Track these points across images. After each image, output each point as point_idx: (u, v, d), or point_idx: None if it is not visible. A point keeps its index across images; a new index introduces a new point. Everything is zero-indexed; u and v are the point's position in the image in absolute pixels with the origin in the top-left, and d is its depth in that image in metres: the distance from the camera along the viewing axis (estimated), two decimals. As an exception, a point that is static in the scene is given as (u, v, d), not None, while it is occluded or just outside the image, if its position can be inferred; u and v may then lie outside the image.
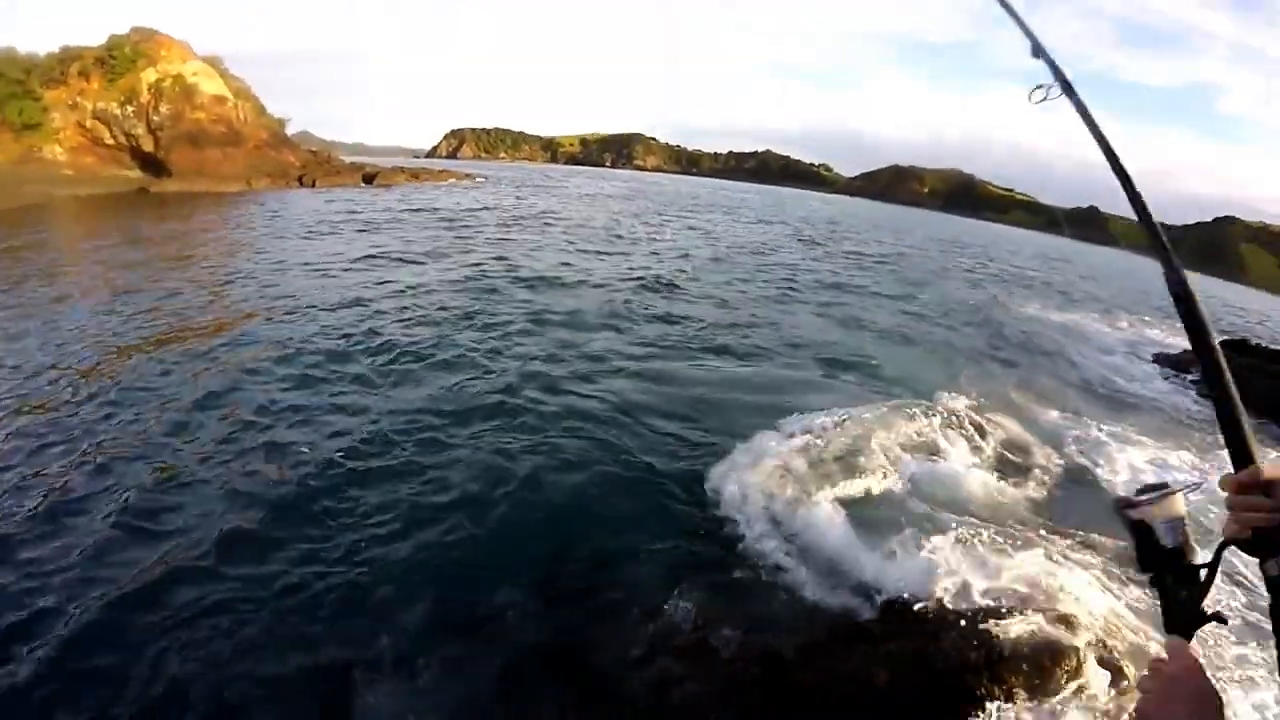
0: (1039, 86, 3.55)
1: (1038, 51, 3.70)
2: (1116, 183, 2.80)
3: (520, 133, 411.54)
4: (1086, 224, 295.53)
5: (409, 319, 14.94)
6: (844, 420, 9.84)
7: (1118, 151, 3.03)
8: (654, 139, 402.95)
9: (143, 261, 22.99)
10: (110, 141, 63.18)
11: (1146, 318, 30.56)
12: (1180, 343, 22.11)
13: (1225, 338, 21.75)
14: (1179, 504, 2.01)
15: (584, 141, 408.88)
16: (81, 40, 66.99)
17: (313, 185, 54.68)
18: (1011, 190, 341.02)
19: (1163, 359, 21.44)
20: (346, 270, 19.42)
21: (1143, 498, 2.01)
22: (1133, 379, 18.57)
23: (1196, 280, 2.12)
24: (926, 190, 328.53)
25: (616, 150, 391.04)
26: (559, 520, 7.85)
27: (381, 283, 18.48)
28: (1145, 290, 43.62)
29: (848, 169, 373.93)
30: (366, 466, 8.62)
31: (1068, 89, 3.35)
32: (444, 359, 12.58)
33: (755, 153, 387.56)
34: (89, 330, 14.38)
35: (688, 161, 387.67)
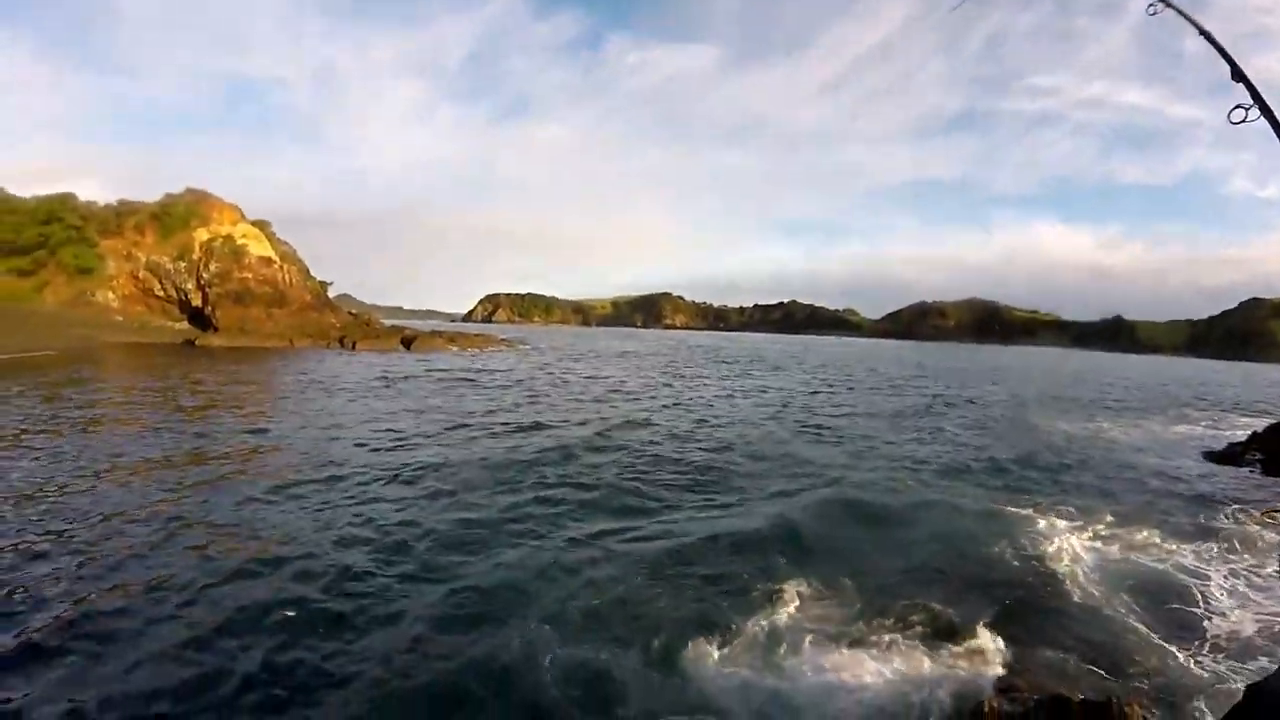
0: (1238, 107, 4.02)
1: (1237, 76, 4.16)
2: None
3: (552, 298, 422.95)
4: (1115, 335, 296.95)
5: (434, 490, 14.27)
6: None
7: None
8: (681, 298, 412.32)
9: (181, 406, 24.01)
10: (160, 293, 65.40)
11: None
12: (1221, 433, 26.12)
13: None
14: None
15: (614, 304, 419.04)
16: (137, 195, 70.36)
17: (353, 348, 55.68)
18: (1036, 311, 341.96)
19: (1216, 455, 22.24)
20: (374, 434, 19.09)
21: None
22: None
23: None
24: (952, 323, 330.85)
25: (646, 310, 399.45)
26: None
27: (391, 451, 17.75)
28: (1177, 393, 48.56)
29: (873, 310, 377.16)
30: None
31: (1266, 111, 3.75)
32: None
33: (781, 304, 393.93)
34: (110, 458, 15.44)
35: (715, 317, 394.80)
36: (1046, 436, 25.34)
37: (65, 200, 66.82)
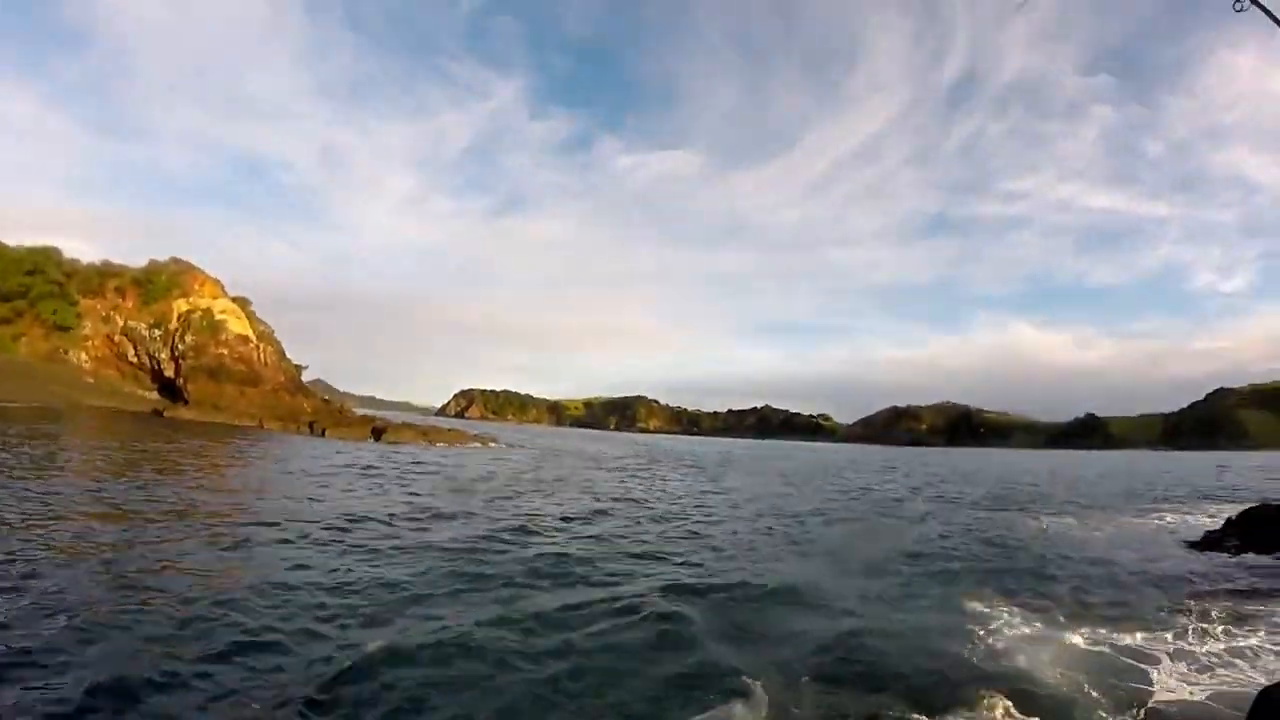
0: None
1: None
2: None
3: (527, 395, 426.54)
4: (1088, 433, 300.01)
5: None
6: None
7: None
8: (655, 401, 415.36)
9: (140, 477, 23.76)
10: (134, 359, 65.17)
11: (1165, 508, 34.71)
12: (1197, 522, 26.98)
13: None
14: None
15: (588, 405, 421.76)
16: (125, 258, 70.82)
17: (322, 434, 55.16)
18: (1007, 414, 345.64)
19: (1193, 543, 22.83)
20: (329, 522, 18.48)
21: None
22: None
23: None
24: (925, 427, 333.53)
25: (620, 413, 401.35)
26: None
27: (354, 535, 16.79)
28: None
29: (848, 414, 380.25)
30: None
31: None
32: None
33: (755, 409, 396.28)
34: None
35: (689, 421, 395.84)
36: (1021, 534, 25.20)
37: (49, 253, 67.01)
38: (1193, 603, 14.41)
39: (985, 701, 8.99)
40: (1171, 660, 10.91)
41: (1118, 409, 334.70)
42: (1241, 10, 5.38)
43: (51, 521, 15.22)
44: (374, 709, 8.01)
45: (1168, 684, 10.00)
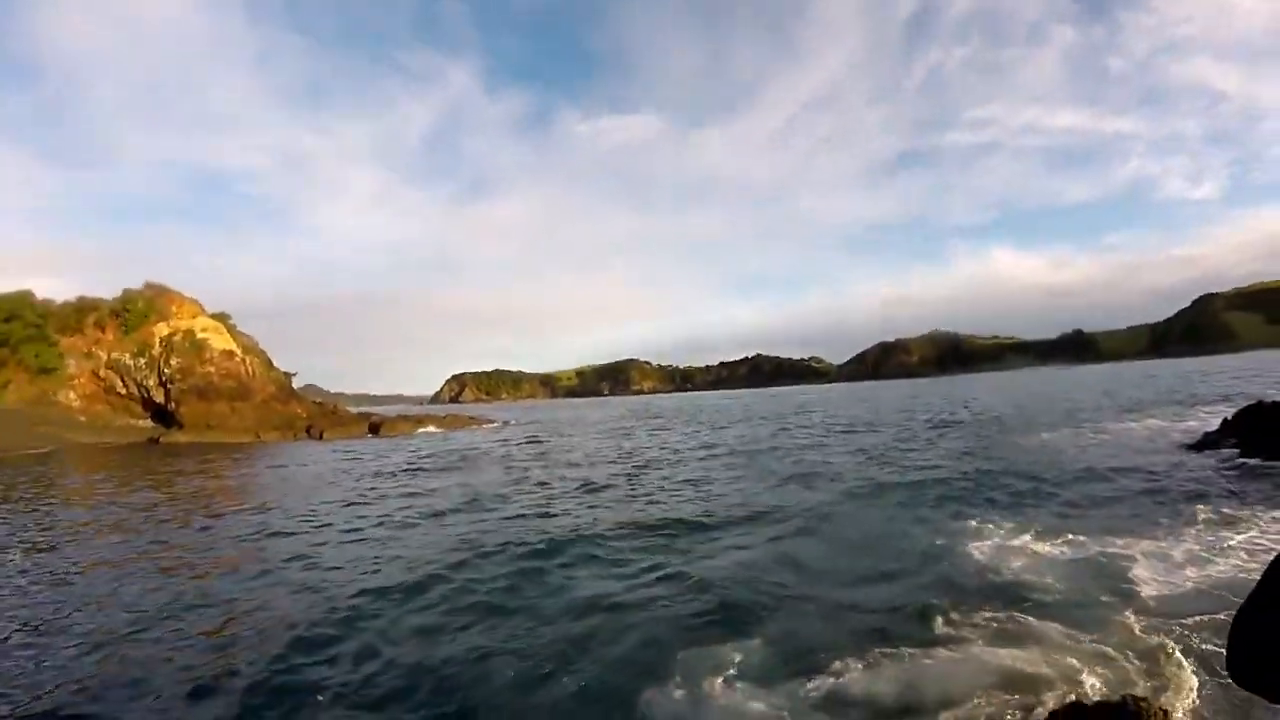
0: None
1: None
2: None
3: (519, 372, 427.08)
4: (1077, 349, 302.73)
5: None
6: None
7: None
8: (648, 363, 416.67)
9: (141, 504, 23.75)
10: (122, 391, 65.05)
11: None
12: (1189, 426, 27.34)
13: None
14: None
15: (580, 374, 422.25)
16: (101, 289, 70.46)
17: (320, 437, 55.43)
18: (997, 336, 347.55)
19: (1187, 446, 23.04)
20: (346, 520, 18.54)
21: None
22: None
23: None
24: (916, 359, 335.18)
25: (613, 378, 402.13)
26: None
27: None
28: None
29: (839, 355, 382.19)
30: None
31: None
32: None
33: (746, 358, 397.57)
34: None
35: (681, 379, 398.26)
36: (1020, 450, 25.75)
37: (24, 297, 66.62)
38: (1192, 504, 14.65)
39: (985, 610, 9.32)
40: (1167, 562, 11.06)
41: (1104, 323, 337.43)
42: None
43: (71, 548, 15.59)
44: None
45: (1164, 581, 10.21)
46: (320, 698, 7.97)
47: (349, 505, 21.33)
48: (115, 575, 13.58)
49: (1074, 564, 11.33)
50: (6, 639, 10.17)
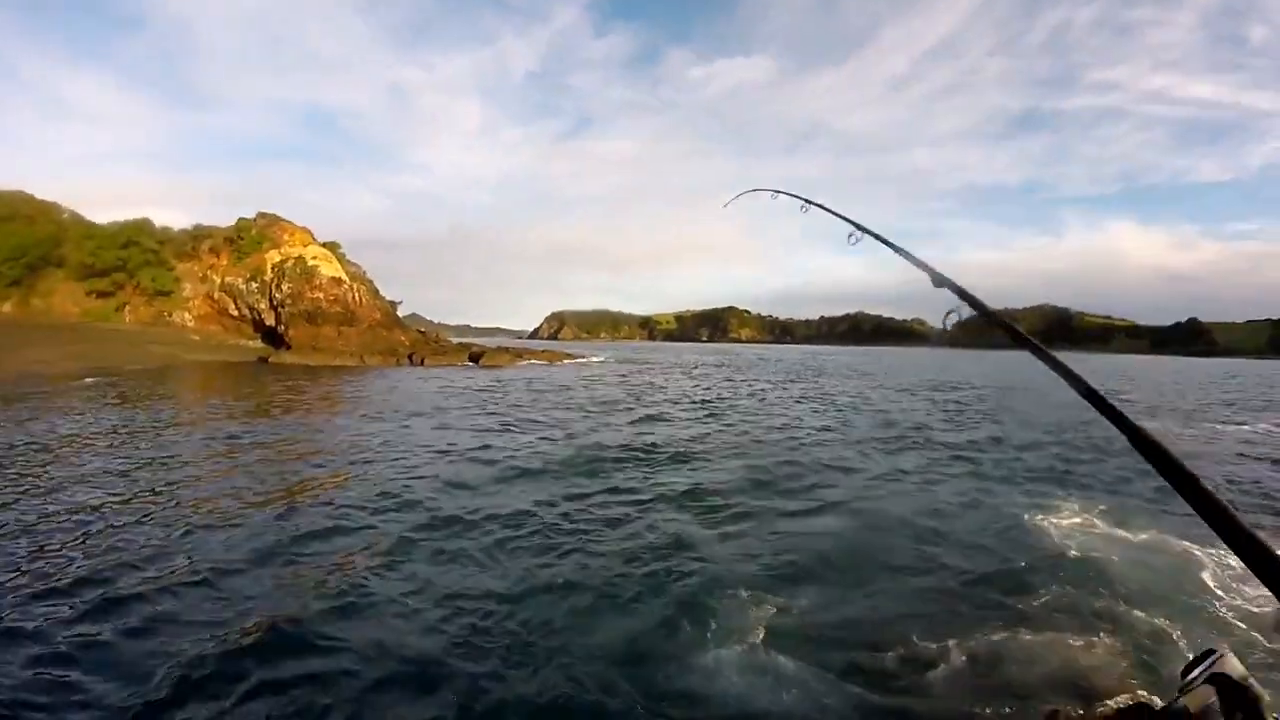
0: (950, 312, 3.68)
1: (940, 282, 3.73)
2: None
3: (618, 313, 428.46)
4: (1190, 339, 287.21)
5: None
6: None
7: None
8: (747, 311, 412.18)
9: (260, 413, 24.48)
10: (235, 313, 67.19)
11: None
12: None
13: None
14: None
15: (680, 318, 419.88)
16: (212, 220, 72.70)
17: (421, 363, 56.02)
18: (1109, 317, 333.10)
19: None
20: (450, 443, 17.81)
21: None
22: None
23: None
24: (1023, 330, 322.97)
25: (711, 324, 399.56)
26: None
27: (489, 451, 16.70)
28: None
29: (942, 318, 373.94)
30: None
31: (974, 304, 3.49)
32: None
33: (847, 315, 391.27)
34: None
35: (781, 331, 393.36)
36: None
37: (142, 225, 69.28)
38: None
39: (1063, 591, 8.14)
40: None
41: (1221, 315, 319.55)
42: None
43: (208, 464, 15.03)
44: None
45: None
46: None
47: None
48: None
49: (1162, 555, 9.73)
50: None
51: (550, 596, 7.76)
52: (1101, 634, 6.95)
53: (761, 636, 6.81)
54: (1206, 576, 8.59)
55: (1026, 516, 11.35)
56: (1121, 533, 10.61)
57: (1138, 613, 7.44)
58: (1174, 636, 6.88)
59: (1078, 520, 11.30)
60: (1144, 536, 10.35)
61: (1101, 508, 11.82)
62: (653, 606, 7.57)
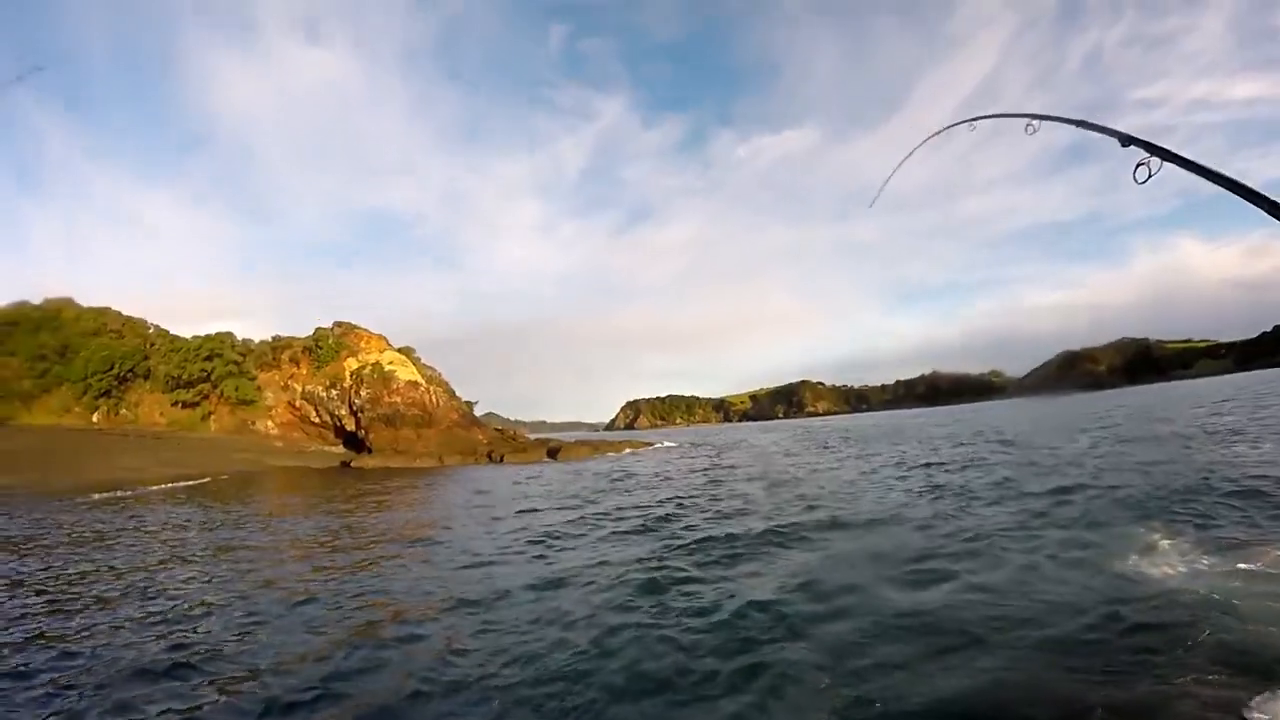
0: (1139, 165, 3.96)
1: (1127, 140, 4.19)
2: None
3: (692, 397, 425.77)
4: (1276, 350, 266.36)
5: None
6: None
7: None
8: (820, 383, 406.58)
9: (345, 511, 25.08)
10: (316, 419, 68.79)
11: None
12: None
13: None
14: None
15: (754, 398, 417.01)
16: (283, 329, 75.36)
17: (500, 460, 56.29)
18: (1189, 340, 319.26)
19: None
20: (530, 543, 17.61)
21: None
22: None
23: None
24: (1103, 367, 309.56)
25: (786, 400, 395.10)
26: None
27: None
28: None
29: (1019, 367, 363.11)
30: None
31: (1166, 155, 3.74)
32: None
33: (922, 376, 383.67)
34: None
35: (856, 399, 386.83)
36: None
37: (225, 338, 71.89)
38: None
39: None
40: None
41: None
42: None
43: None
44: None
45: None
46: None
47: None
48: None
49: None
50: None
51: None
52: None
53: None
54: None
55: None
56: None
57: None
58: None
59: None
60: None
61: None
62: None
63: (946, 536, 14.36)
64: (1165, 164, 4.08)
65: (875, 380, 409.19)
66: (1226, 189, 3.58)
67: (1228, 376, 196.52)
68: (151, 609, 11.73)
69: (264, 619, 11.01)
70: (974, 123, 8.06)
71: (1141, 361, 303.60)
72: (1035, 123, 6.36)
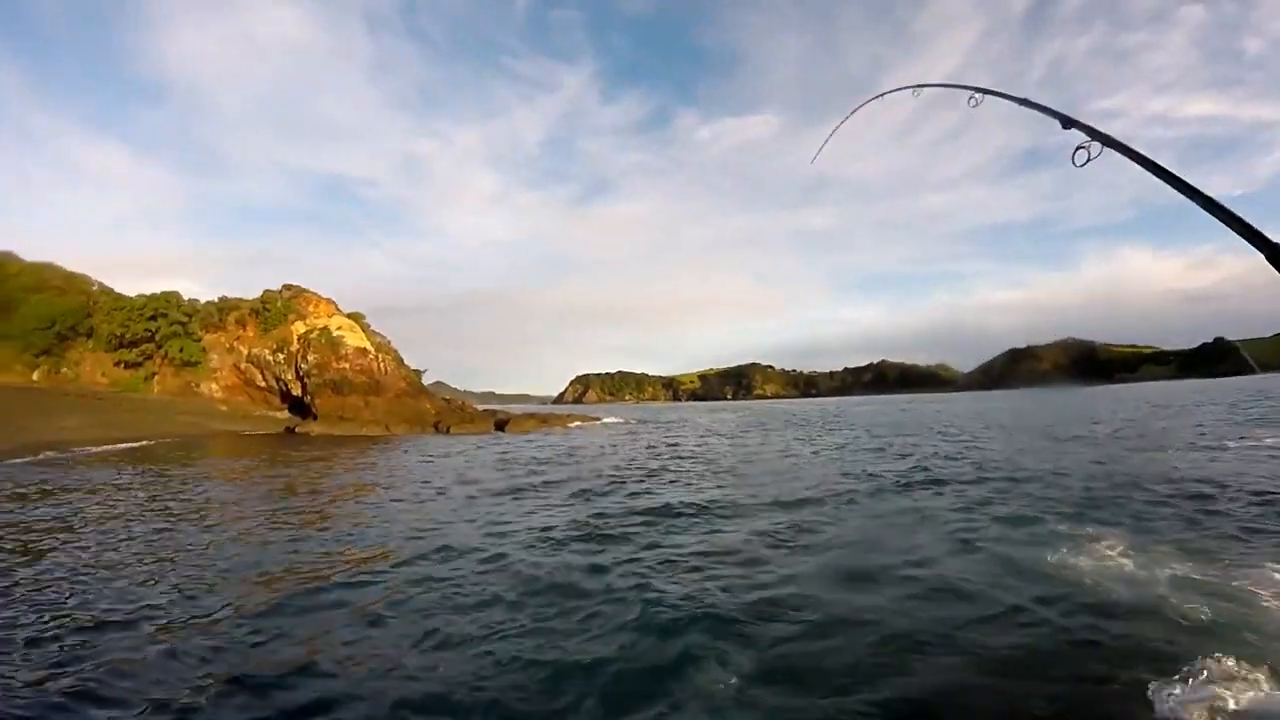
0: (1079, 148, 3.94)
1: (1068, 122, 4.22)
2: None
3: (642, 374, 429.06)
4: (1220, 358, 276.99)
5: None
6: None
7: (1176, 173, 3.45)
8: (770, 366, 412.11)
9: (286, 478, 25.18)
10: (261, 383, 67.96)
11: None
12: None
13: None
14: None
15: (703, 378, 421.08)
16: (230, 289, 73.94)
17: (447, 431, 55.84)
18: (1135, 346, 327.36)
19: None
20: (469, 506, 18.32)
21: None
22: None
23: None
24: (1048, 366, 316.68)
25: (735, 382, 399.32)
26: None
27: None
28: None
29: (966, 361, 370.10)
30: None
31: (1106, 140, 3.74)
32: None
33: (871, 364, 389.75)
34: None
35: (805, 384, 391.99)
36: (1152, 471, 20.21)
37: (170, 297, 70.24)
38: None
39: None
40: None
41: (1249, 330, 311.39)
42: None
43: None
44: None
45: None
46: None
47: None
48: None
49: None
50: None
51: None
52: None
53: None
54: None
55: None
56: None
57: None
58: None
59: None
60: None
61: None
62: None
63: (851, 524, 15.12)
64: (1105, 149, 4.16)
65: (824, 366, 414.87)
66: (1159, 177, 3.74)
67: (1172, 382, 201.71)
68: (80, 570, 11.75)
69: (200, 579, 11.22)
70: (918, 89, 8.16)
71: (1087, 362, 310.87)
72: (978, 95, 6.40)
